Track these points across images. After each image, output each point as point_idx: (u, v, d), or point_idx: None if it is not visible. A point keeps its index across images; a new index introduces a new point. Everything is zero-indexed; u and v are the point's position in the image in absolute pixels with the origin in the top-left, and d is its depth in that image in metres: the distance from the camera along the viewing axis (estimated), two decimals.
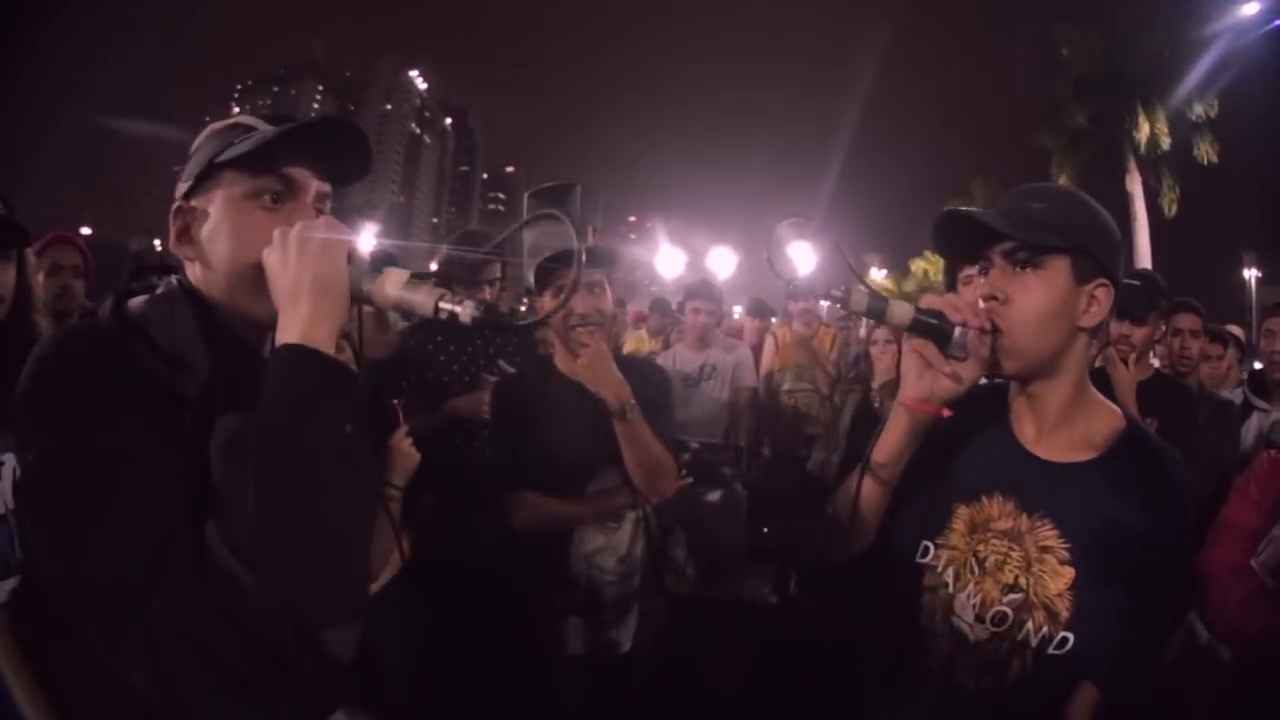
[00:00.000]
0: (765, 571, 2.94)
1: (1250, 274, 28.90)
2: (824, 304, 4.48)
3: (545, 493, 1.96)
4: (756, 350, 4.83)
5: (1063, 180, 20.05)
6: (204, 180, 0.95)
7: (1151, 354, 2.86)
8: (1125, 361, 2.67)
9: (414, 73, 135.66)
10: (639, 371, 2.02)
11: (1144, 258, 19.26)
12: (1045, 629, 1.09)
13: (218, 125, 0.99)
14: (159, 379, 0.86)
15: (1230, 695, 1.87)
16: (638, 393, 1.91)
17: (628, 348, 6.30)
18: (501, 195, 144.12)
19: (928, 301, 1.03)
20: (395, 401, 1.96)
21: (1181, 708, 2.00)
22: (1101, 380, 2.69)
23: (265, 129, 0.94)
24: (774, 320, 5.94)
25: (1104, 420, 1.17)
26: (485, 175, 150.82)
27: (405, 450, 1.87)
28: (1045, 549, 1.11)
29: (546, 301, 1.98)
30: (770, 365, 4.57)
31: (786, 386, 4.45)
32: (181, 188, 0.97)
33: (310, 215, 0.93)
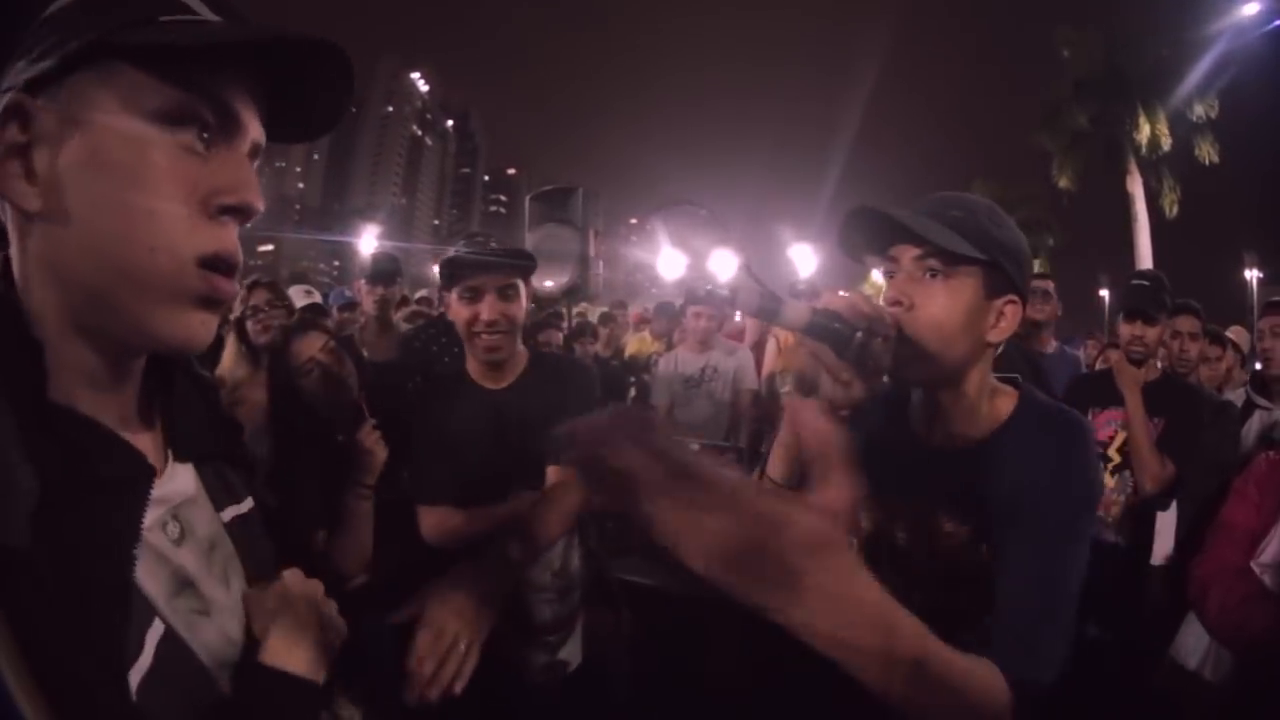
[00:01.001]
0: None
1: (1251, 274, 28.89)
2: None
3: (462, 507, 1.80)
4: (759, 349, 4.85)
5: (1064, 182, 20.08)
6: (72, 68, 0.54)
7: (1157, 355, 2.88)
8: (1140, 363, 2.69)
9: (415, 75, 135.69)
10: (554, 375, 1.93)
11: (1145, 259, 19.25)
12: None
13: None
14: None
15: (1235, 697, 1.88)
16: (560, 403, 1.80)
17: (630, 349, 6.32)
18: (503, 198, 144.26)
19: (827, 301, 0.94)
20: (358, 394, 1.95)
21: (1186, 711, 2.01)
22: (1106, 382, 2.72)
23: (201, 13, 0.59)
24: None
25: (1001, 401, 1.13)
26: (486, 178, 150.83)
27: (370, 446, 1.87)
28: (949, 534, 1.11)
29: (453, 302, 1.79)
30: (772, 367, 4.58)
31: (787, 388, 4.46)
32: (27, 72, 0.55)
33: (242, 176, 0.60)
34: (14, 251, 0.57)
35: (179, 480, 0.68)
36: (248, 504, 0.78)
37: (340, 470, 1.89)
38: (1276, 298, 3.08)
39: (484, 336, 1.77)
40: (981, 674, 0.79)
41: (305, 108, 0.66)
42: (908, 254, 1.07)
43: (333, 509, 1.87)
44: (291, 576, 0.75)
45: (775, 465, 1.10)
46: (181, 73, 0.56)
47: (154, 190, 0.55)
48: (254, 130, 0.62)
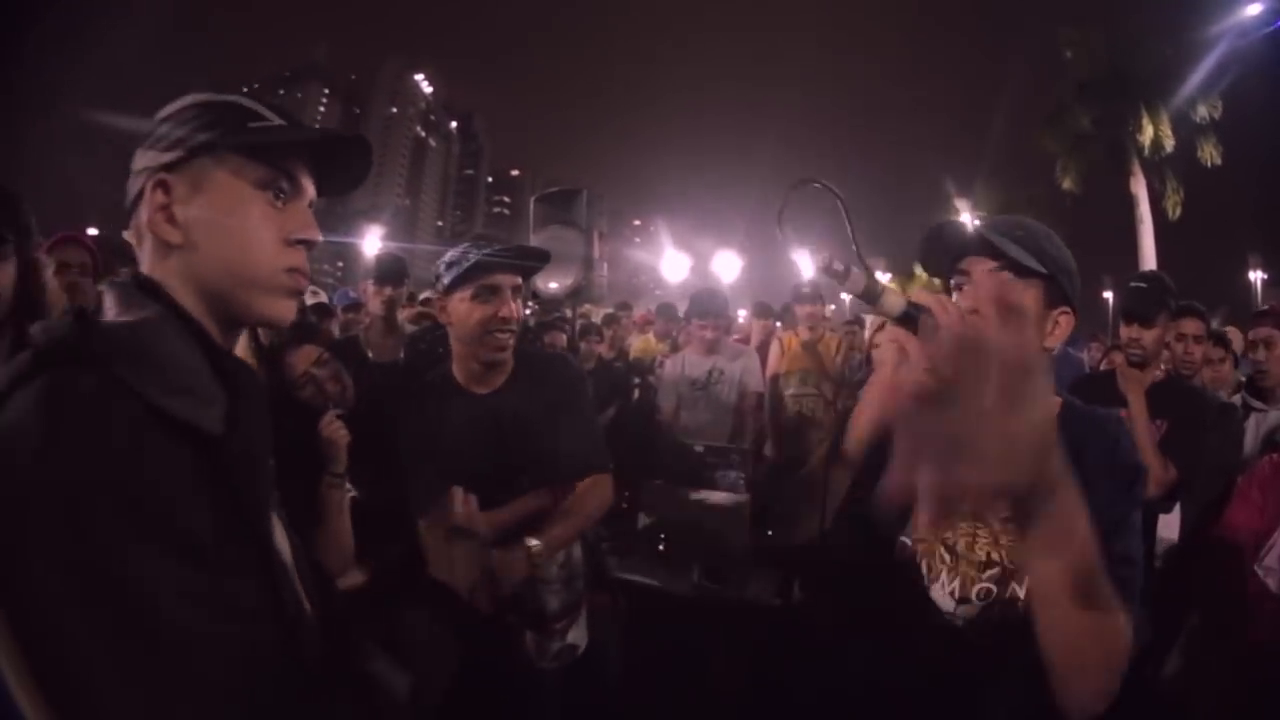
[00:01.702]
0: (769, 574, 2.95)
1: (1256, 276, 28.84)
2: (831, 307, 4.48)
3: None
4: (762, 349, 4.86)
5: (1067, 184, 20.06)
6: (195, 156, 0.84)
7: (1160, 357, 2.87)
8: (1139, 366, 2.67)
9: (419, 76, 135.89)
10: (541, 374, 1.95)
11: (1149, 261, 19.23)
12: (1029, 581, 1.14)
13: (203, 98, 0.89)
14: (180, 429, 0.71)
15: (1235, 697, 1.88)
16: (542, 398, 1.87)
17: (635, 351, 6.33)
18: (506, 199, 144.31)
19: (920, 297, 1.02)
20: (310, 372, 1.96)
21: (1186, 712, 2.01)
22: (1109, 384, 2.72)
23: (274, 120, 0.89)
24: (778, 325, 5.96)
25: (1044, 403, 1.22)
26: (490, 179, 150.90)
27: (332, 435, 1.89)
28: (1008, 519, 1.14)
29: (463, 301, 1.83)
30: (776, 369, 4.59)
31: (791, 391, 4.47)
32: (163, 157, 0.84)
33: (307, 219, 0.90)
34: (165, 270, 0.84)
35: None
36: None
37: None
38: (1264, 308, 3.09)
39: (498, 335, 1.81)
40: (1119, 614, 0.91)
41: (342, 172, 0.97)
42: (982, 266, 1.20)
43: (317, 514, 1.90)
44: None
45: (853, 439, 1.22)
46: (266, 158, 0.87)
47: (256, 233, 0.86)
48: (310, 190, 0.93)
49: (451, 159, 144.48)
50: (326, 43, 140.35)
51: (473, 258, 1.80)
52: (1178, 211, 19.62)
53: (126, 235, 0.88)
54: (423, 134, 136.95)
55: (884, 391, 1.03)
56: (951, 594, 1.20)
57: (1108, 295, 30.26)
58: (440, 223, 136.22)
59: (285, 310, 0.90)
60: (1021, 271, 1.16)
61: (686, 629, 2.83)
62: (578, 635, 1.98)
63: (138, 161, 0.86)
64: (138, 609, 0.62)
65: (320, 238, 0.91)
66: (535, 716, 1.95)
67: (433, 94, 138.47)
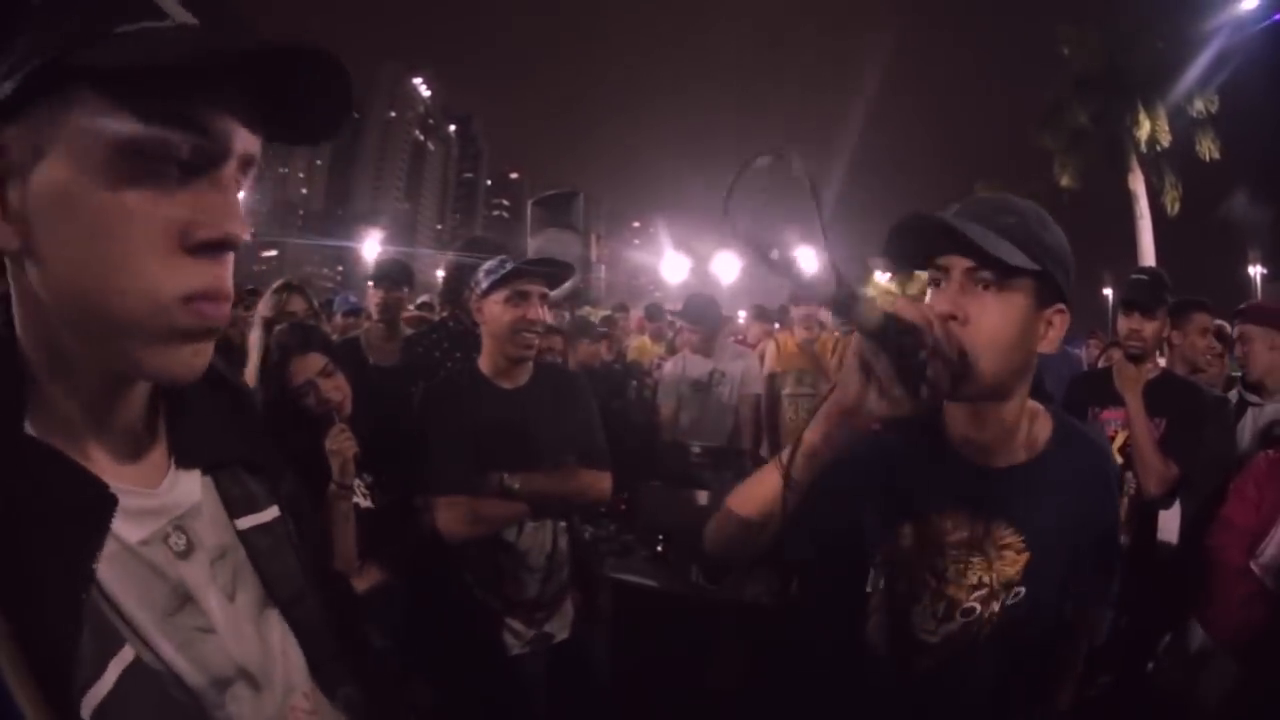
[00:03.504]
0: (767, 575, 2.95)
1: (1255, 271, 28.82)
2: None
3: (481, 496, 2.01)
4: (762, 352, 4.86)
5: (1065, 181, 20.03)
6: (33, 92, 0.49)
7: (1157, 353, 2.84)
8: (1138, 359, 2.65)
9: (417, 80, 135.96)
10: (558, 380, 2.22)
11: (1148, 257, 19.21)
12: (1003, 596, 1.13)
13: None
14: None
15: (1233, 696, 1.88)
16: (569, 400, 2.15)
17: (632, 353, 6.34)
18: (505, 202, 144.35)
19: (899, 308, 0.88)
20: (312, 380, 1.98)
21: (1183, 711, 2.01)
22: (1107, 381, 2.71)
23: (170, 18, 0.51)
24: (776, 326, 5.97)
25: (1039, 422, 1.18)
26: (489, 182, 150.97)
27: (338, 448, 1.91)
28: (1004, 546, 1.13)
29: (495, 304, 2.04)
30: (772, 369, 4.58)
31: (787, 391, 4.46)
32: None
33: (224, 205, 0.54)
34: (11, 287, 0.55)
35: (181, 489, 0.66)
36: (270, 512, 0.75)
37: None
38: (1245, 305, 3.09)
39: (526, 335, 2.04)
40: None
41: (300, 113, 0.59)
42: (959, 265, 1.03)
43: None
44: None
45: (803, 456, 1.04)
46: (146, 96, 0.48)
47: (123, 235, 0.50)
48: (241, 143, 0.55)
49: (450, 162, 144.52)
50: (324, 46, 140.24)
51: (508, 266, 2.03)
52: (1176, 207, 19.60)
53: None
54: (421, 138, 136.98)
55: (838, 416, 0.95)
56: (934, 614, 1.14)
57: (1107, 292, 30.26)
58: (439, 226, 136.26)
59: (187, 361, 0.56)
60: (1007, 271, 0.99)
61: (685, 629, 2.83)
62: (556, 626, 2.12)
63: None
64: None
65: (244, 233, 0.55)
66: (511, 704, 2.06)
67: (431, 97, 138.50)
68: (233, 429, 0.75)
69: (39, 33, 0.49)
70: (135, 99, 0.48)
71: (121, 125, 0.48)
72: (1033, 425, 1.16)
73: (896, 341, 0.85)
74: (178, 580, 0.61)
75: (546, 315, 2.13)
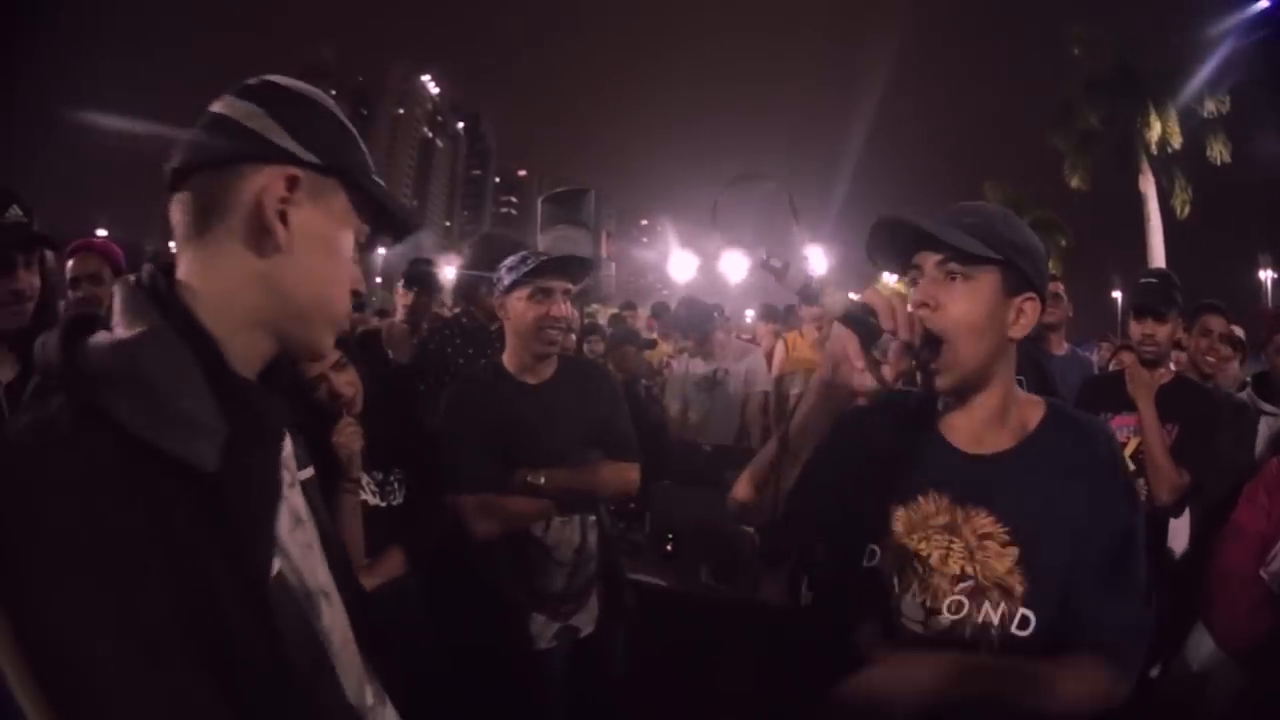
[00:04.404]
0: (778, 573, 2.95)
1: (1266, 275, 28.65)
2: None
3: (507, 492, 2.04)
4: (770, 351, 4.86)
5: (1075, 182, 19.96)
6: (329, 173, 0.80)
7: (1171, 356, 2.81)
8: (1152, 364, 2.61)
9: (426, 77, 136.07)
10: (585, 374, 2.24)
11: (1158, 259, 19.13)
12: (1003, 606, 1.12)
13: (340, 116, 0.84)
14: (168, 466, 0.64)
15: (1241, 703, 1.87)
16: (595, 395, 2.17)
17: None
18: (514, 199, 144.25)
19: (867, 297, 1.03)
20: (325, 374, 1.99)
21: (1192, 716, 2.00)
22: (1119, 386, 2.68)
23: (378, 180, 0.86)
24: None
25: (1029, 410, 1.22)
26: (497, 179, 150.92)
27: (344, 442, 1.91)
28: (985, 536, 1.15)
29: (519, 300, 2.05)
30: (781, 369, 4.59)
31: (796, 390, 4.47)
32: (304, 153, 0.77)
33: (359, 274, 0.90)
34: (231, 263, 0.76)
35: (287, 439, 0.87)
36: (309, 470, 0.94)
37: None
38: (1208, 300, 3.07)
39: (549, 331, 2.05)
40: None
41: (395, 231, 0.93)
42: (930, 260, 1.15)
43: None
44: None
45: (796, 431, 1.16)
46: (367, 211, 0.85)
47: (344, 267, 0.83)
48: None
49: (459, 159, 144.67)
50: (334, 44, 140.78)
51: (531, 263, 2.03)
52: (1186, 209, 19.51)
53: (175, 200, 0.77)
54: (430, 135, 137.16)
55: (824, 390, 1.10)
56: (922, 604, 1.17)
57: (1116, 295, 30.12)
58: (448, 223, 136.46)
59: (329, 346, 0.87)
60: (972, 261, 1.11)
61: (695, 628, 2.83)
62: (582, 620, 2.13)
63: (266, 131, 0.76)
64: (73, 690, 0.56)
65: (362, 289, 0.90)
66: (537, 697, 2.08)
67: (440, 94, 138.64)
68: (292, 397, 0.95)
69: (341, 138, 0.82)
70: (365, 211, 0.84)
71: (357, 219, 0.84)
72: (1022, 413, 1.21)
73: (864, 323, 1.01)
74: (294, 505, 0.85)
75: (570, 311, 2.14)
